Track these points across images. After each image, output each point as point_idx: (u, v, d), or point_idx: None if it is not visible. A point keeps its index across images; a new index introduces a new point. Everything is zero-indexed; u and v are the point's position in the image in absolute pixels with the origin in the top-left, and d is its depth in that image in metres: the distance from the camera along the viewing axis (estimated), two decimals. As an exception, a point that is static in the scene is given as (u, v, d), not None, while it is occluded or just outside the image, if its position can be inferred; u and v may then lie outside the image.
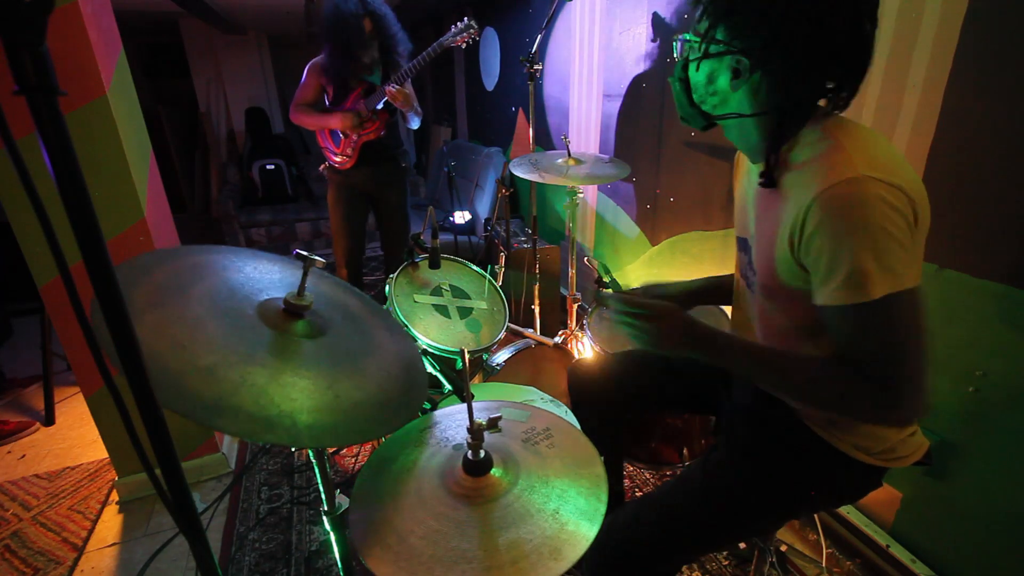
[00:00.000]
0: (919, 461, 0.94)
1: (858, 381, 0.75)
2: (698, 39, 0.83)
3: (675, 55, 0.91)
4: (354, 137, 2.36)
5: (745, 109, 0.84)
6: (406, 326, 1.41)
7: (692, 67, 0.87)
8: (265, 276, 0.87)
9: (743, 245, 0.98)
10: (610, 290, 1.81)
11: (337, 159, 2.43)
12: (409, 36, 2.34)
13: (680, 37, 0.88)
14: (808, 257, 0.76)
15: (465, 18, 2.08)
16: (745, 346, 0.87)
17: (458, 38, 2.09)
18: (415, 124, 2.41)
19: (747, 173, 0.98)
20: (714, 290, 1.16)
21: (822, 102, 0.82)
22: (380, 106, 2.31)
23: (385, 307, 1.06)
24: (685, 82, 0.90)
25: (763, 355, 0.86)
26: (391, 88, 2.15)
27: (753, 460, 0.99)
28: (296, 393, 0.69)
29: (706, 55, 0.82)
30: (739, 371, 0.93)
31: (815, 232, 0.73)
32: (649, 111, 2.28)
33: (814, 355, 0.84)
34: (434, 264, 1.59)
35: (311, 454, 0.89)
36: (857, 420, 0.86)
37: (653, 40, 2.15)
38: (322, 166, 2.53)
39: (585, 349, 2.20)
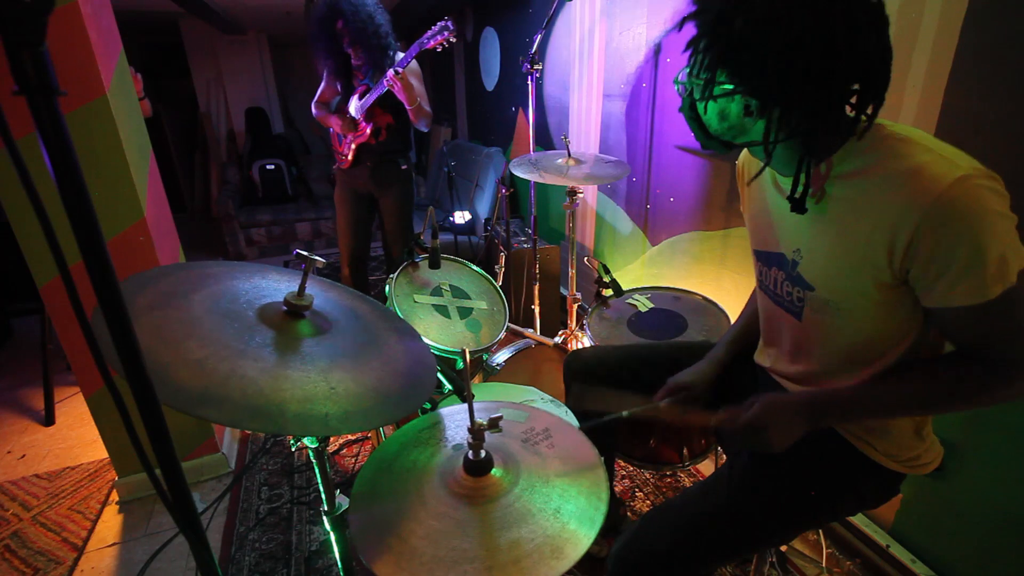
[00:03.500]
0: (937, 468, 0.95)
1: (990, 373, 0.76)
2: (700, 82, 0.79)
3: (678, 91, 0.87)
4: (349, 138, 2.43)
5: (768, 137, 0.80)
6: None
7: (700, 107, 0.84)
8: (272, 284, 0.88)
9: (777, 261, 0.94)
10: (610, 292, 1.82)
11: (338, 157, 2.53)
12: (394, 28, 2.31)
13: (680, 79, 0.85)
14: (930, 263, 0.72)
15: (445, 19, 2.02)
16: (862, 394, 0.86)
17: (432, 41, 2.03)
18: (423, 127, 2.39)
19: (770, 182, 0.94)
20: (740, 342, 1.14)
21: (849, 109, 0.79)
22: (369, 104, 2.30)
23: (385, 307, 1.06)
24: (696, 120, 0.87)
25: (886, 392, 0.84)
26: (390, 74, 2.14)
27: (780, 469, 0.96)
28: (287, 384, 0.70)
29: (711, 98, 0.79)
30: (866, 418, 0.91)
31: (941, 238, 0.70)
32: (648, 111, 2.28)
33: (930, 366, 0.83)
34: (434, 264, 1.59)
35: (311, 454, 0.89)
36: (987, 407, 0.84)
37: (648, 43, 2.15)
38: (335, 165, 2.62)
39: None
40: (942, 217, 0.69)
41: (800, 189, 0.80)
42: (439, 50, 2.07)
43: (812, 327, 0.90)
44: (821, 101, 0.73)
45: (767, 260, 0.98)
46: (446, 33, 1.99)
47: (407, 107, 2.27)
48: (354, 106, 2.37)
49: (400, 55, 2.32)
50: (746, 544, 0.98)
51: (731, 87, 0.76)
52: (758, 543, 1.01)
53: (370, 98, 2.29)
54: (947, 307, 0.74)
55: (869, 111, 0.75)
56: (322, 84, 2.48)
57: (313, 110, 2.54)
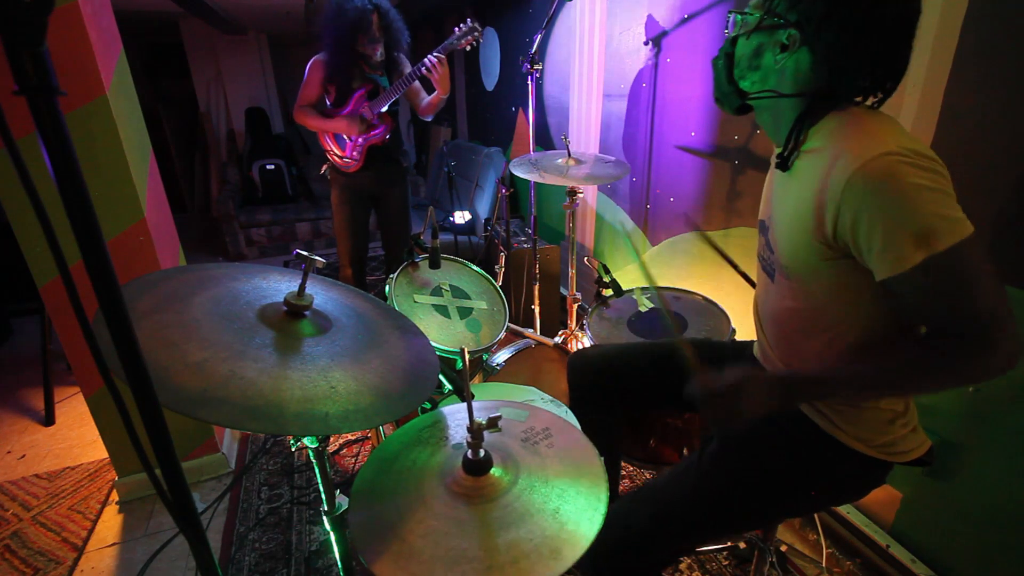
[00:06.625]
0: (921, 459, 0.94)
1: (955, 348, 0.73)
2: (757, 13, 0.86)
3: (727, 31, 0.94)
4: (360, 140, 2.35)
5: (783, 88, 0.87)
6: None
7: (742, 40, 0.90)
8: (272, 285, 0.88)
9: (763, 227, 1.01)
10: (610, 292, 1.82)
11: (342, 162, 2.43)
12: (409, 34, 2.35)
13: (736, 11, 0.91)
14: (858, 236, 0.75)
15: (468, 20, 2.07)
16: (832, 375, 0.84)
17: (462, 41, 2.07)
18: (431, 117, 2.42)
19: (773, 157, 1.01)
20: None
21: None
22: (386, 108, 2.31)
23: (387, 304, 1.06)
24: (730, 56, 0.92)
25: (855, 373, 0.82)
26: (431, 60, 2.09)
27: (748, 453, 0.99)
28: (287, 385, 0.70)
29: (760, 26, 0.85)
30: (837, 397, 0.91)
31: (861, 209, 0.73)
32: (648, 111, 2.28)
33: (898, 346, 0.85)
34: (434, 264, 1.59)
35: (311, 454, 0.89)
36: (966, 384, 0.82)
37: (646, 43, 2.15)
38: (324, 167, 2.52)
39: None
40: (860, 190, 0.73)
41: (789, 148, 0.87)
42: (468, 49, 2.16)
43: (779, 288, 0.95)
44: (848, 54, 0.78)
45: (760, 229, 1.04)
46: (475, 34, 2.06)
47: (440, 96, 2.25)
48: (365, 107, 2.31)
49: (403, 57, 2.36)
50: (718, 527, 1.00)
51: (781, 19, 0.82)
52: (730, 526, 1.02)
53: (390, 97, 2.26)
54: (884, 279, 0.75)
55: (872, 99, 0.81)
56: (305, 84, 2.32)
57: (300, 115, 2.37)
